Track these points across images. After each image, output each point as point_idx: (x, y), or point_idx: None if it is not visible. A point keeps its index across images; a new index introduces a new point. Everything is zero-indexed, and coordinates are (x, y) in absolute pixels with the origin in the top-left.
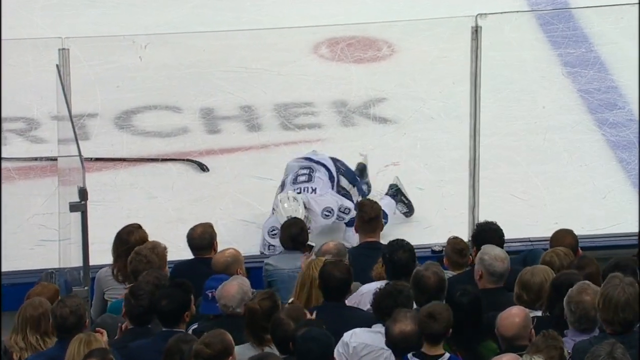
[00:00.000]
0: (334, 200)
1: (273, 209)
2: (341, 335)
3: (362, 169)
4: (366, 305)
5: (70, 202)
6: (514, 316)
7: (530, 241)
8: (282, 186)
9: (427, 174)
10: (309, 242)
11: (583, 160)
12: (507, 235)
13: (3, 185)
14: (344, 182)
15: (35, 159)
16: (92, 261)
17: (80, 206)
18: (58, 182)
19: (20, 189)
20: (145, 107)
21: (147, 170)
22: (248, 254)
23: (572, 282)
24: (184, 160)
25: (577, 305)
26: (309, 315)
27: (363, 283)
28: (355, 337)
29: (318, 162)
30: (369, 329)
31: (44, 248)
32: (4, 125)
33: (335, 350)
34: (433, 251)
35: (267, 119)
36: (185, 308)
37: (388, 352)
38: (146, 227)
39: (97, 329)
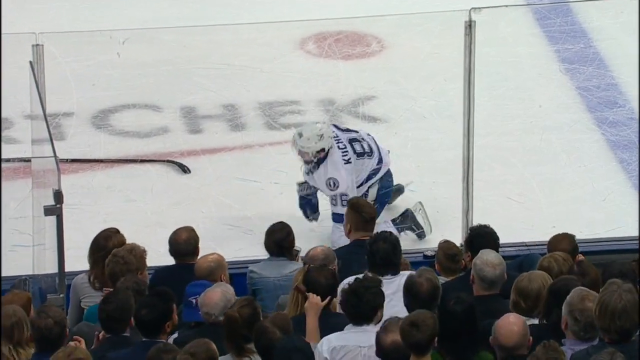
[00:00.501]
0: (347, 180)
1: None
2: None
3: (398, 189)
4: None
5: (44, 206)
6: (512, 324)
7: (526, 246)
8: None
9: (418, 176)
10: (295, 247)
11: (582, 161)
12: (503, 239)
13: None
14: (372, 192)
15: (8, 160)
16: (68, 267)
17: (55, 210)
18: (32, 185)
19: None
20: (124, 105)
21: (126, 172)
22: (232, 260)
23: (570, 288)
24: (164, 161)
25: (582, 313)
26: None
27: None
28: (327, 343)
29: (379, 160)
30: (340, 331)
31: (17, 254)
32: None
33: None
34: (425, 256)
35: (251, 118)
36: (166, 318)
37: (365, 349)
38: (124, 232)
39: (74, 337)
